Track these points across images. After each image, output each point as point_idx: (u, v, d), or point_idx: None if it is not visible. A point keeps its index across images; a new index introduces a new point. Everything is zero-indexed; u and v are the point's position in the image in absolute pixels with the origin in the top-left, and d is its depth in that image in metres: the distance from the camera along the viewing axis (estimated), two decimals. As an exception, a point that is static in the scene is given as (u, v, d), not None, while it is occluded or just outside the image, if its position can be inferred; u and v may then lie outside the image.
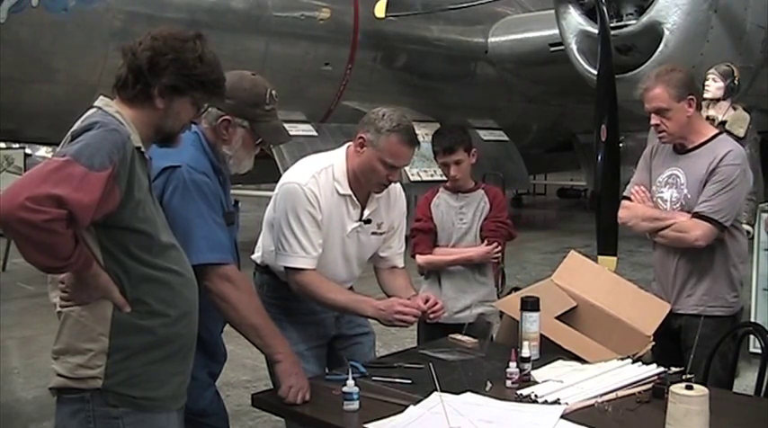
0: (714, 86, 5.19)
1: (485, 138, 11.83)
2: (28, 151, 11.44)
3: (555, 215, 16.20)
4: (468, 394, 2.37)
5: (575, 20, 8.71)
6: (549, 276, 3.14)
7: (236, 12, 9.01)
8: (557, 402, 2.29)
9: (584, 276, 3.11)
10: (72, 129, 1.94)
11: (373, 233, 2.97)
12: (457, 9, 10.56)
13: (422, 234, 3.52)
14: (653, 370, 2.53)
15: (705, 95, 5.05)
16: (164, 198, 2.31)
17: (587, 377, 2.49)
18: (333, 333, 3.02)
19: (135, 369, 1.98)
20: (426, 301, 2.85)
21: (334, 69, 10.00)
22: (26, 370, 5.30)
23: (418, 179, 10.16)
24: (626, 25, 8.30)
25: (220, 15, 8.79)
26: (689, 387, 2.03)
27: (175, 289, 2.05)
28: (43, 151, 12.50)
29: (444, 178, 3.59)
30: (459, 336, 3.00)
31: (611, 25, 7.47)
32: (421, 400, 2.31)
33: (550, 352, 2.72)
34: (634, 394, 2.37)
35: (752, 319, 4.89)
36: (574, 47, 8.77)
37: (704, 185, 3.03)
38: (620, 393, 2.38)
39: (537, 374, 2.52)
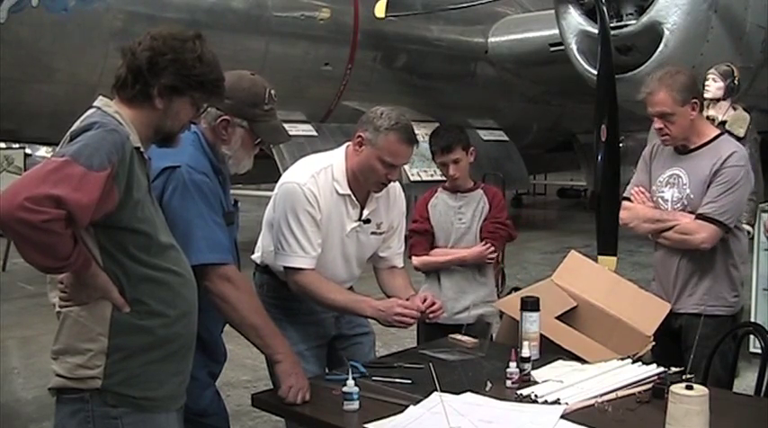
0: (714, 86, 5.19)
1: (485, 138, 11.83)
2: (28, 151, 11.43)
3: (555, 215, 16.20)
4: (468, 394, 2.37)
5: (575, 20, 8.71)
6: (549, 276, 3.14)
7: (236, 12, 9.00)
8: (557, 402, 2.29)
9: (584, 276, 3.10)
10: (71, 130, 1.94)
11: (373, 233, 2.97)
12: (457, 9, 10.55)
13: (418, 235, 3.52)
14: (653, 369, 2.53)
15: (705, 95, 5.05)
16: (163, 198, 2.31)
17: (587, 377, 2.49)
18: (333, 333, 3.02)
19: (134, 369, 1.98)
20: (425, 301, 2.85)
21: (334, 69, 10.00)
22: (26, 370, 5.30)
23: (418, 179, 10.15)
24: (626, 25, 8.30)
25: (220, 15, 8.78)
26: (689, 387, 2.03)
27: (174, 290, 2.05)
28: (43, 151, 12.50)
29: (444, 178, 3.58)
30: (459, 336, 3.00)
31: (611, 25, 7.46)
32: (421, 400, 2.31)
33: (550, 352, 2.72)
34: (634, 394, 2.37)
35: (752, 319, 4.89)
36: (574, 47, 8.77)
37: (708, 186, 3.03)
38: (620, 393, 2.38)
39: (537, 374, 2.52)
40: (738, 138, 4.58)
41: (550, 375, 2.51)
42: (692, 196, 3.07)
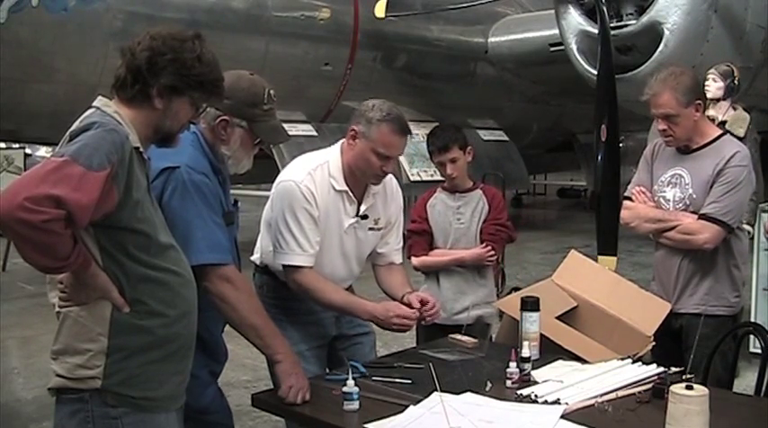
0: (714, 86, 5.19)
1: (485, 138, 11.83)
2: (28, 151, 11.43)
3: (555, 215, 16.20)
4: (468, 394, 2.37)
5: (575, 20, 8.71)
6: (549, 276, 3.14)
7: (236, 12, 9.00)
8: (557, 402, 2.29)
9: (584, 276, 3.10)
10: (70, 130, 1.94)
11: (371, 229, 2.96)
12: (457, 9, 10.55)
13: (416, 235, 3.52)
14: (653, 369, 2.53)
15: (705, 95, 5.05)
16: (163, 198, 2.31)
17: (587, 377, 2.49)
18: (333, 333, 3.02)
19: (134, 369, 1.98)
20: (422, 302, 2.84)
21: (335, 69, 9.99)
22: (26, 370, 5.30)
23: (418, 179, 10.15)
24: (626, 25, 8.29)
25: (220, 15, 8.78)
26: (689, 387, 2.03)
27: (174, 290, 2.04)
28: (43, 151, 12.49)
29: (444, 178, 3.58)
30: (459, 336, 3.00)
31: (611, 25, 7.46)
32: (421, 400, 2.31)
33: (550, 352, 2.72)
34: (634, 394, 2.37)
35: (752, 319, 4.89)
36: (574, 47, 8.76)
37: (711, 186, 3.03)
38: (620, 393, 2.37)
39: (537, 374, 2.52)
40: (738, 138, 4.58)
41: (550, 375, 2.51)
42: (694, 196, 3.07)
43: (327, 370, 2.87)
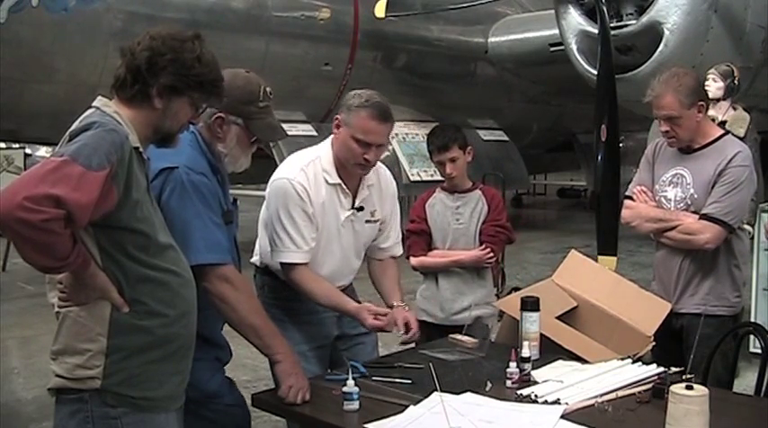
0: (714, 86, 5.20)
1: (485, 138, 11.82)
2: (28, 151, 11.43)
3: (555, 215, 16.20)
4: (468, 394, 2.37)
5: (575, 20, 8.71)
6: (549, 276, 3.14)
7: (236, 12, 9.00)
8: (557, 402, 2.29)
9: (584, 276, 3.10)
10: (70, 130, 1.94)
11: (367, 221, 2.97)
12: (457, 9, 10.55)
13: (415, 235, 3.51)
14: (653, 369, 2.53)
15: (705, 95, 5.05)
16: (161, 199, 2.30)
17: (587, 377, 2.49)
18: (335, 333, 3.02)
19: (133, 369, 1.98)
20: (407, 325, 2.85)
21: (334, 69, 9.99)
22: (26, 370, 5.29)
23: (418, 179, 10.15)
24: (626, 25, 8.29)
25: (220, 15, 8.78)
26: (689, 387, 2.03)
27: (173, 290, 2.04)
28: (43, 151, 12.48)
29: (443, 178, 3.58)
30: (459, 336, 2.99)
31: (611, 25, 7.46)
32: (421, 400, 2.31)
33: (550, 352, 2.72)
34: (634, 394, 2.37)
35: (752, 319, 4.88)
36: (574, 47, 8.76)
37: (712, 186, 3.03)
38: (620, 393, 2.37)
39: (537, 374, 2.52)
40: (738, 139, 4.58)
41: (550, 375, 2.51)
42: (695, 196, 3.07)
43: (329, 371, 2.87)
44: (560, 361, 2.66)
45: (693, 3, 7.86)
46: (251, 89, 2.54)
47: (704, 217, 3.02)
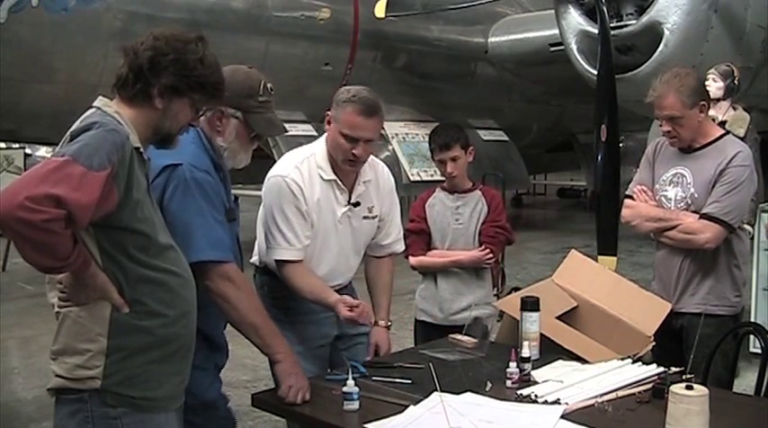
0: (714, 86, 5.19)
1: (485, 138, 11.82)
2: (28, 151, 11.43)
3: (555, 215, 16.19)
4: (468, 394, 2.37)
5: (575, 20, 8.71)
6: (549, 276, 3.14)
7: (236, 12, 9.00)
8: (557, 402, 2.29)
9: (584, 276, 3.10)
10: (71, 130, 1.94)
11: (365, 217, 2.97)
12: (457, 9, 10.55)
13: (415, 235, 3.51)
14: (653, 369, 2.53)
15: (704, 95, 5.05)
16: (165, 196, 2.30)
17: (587, 377, 2.49)
18: (334, 332, 3.01)
19: (133, 369, 1.98)
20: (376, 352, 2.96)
21: (334, 69, 9.99)
22: (26, 370, 5.29)
23: (418, 179, 10.15)
24: (626, 25, 8.29)
25: (220, 15, 8.78)
26: (689, 387, 2.03)
27: (174, 290, 2.05)
28: (43, 151, 12.49)
29: (444, 178, 3.58)
30: (459, 336, 2.99)
31: (611, 25, 7.46)
32: (421, 400, 2.31)
33: (550, 352, 2.72)
34: (634, 394, 2.37)
35: (752, 319, 4.89)
36: (574, 47, 8.76)
37: (713, 185, 3.03)
38: (620, 393, 2.37)
39: (537, 374, 2.52)
40: (738, 139, 4.58)
41: (550, 375, 2.51)
42: (696, 195, 3.07)
43: (329, 371, 2.87)
44: (560, 361, 2.66)
45: (693, 3, 7.86)
46: (251, 83, 2.54)
47: (704, 216, 3.02)
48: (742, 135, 4.93)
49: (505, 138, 12.29)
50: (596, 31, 7.01)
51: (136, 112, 2.03)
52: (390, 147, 10.43)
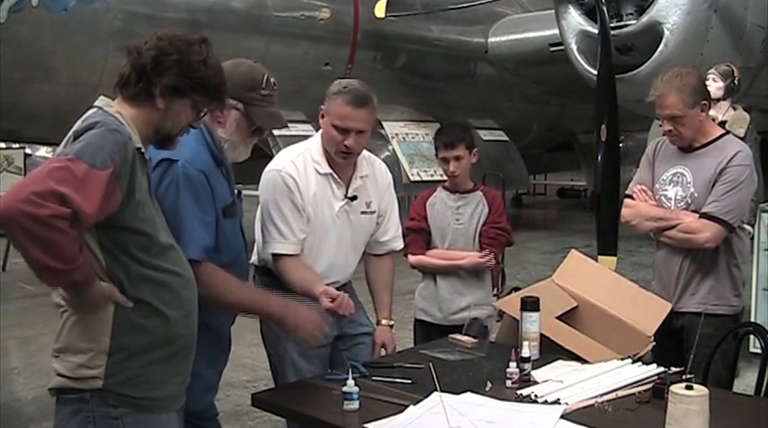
0: (714, 86, 5.19)
1: (485, 138, 11.81)
2: (28, 151, 11.40)
3: (555, 215, 16.19)
4: (468, 394, 2.37)
5: (575, 20, 8.71)
6: (549, 276, 3.14)
7: (236, 12, 9.00)
8: (557, 402, 2.29)
9: (584, 276, 3.11)
10: (74, 129, 1.95)
11: (363, 212, 2.97)
12: (457, 9, 10.55)
13: (414, 234, 3.51)
14: (653, 369, 2.53)
15: (704, 95, 5.05)
16: (159, 190, 2.29)
17: (587, 377, 2.49)
18: (335, 332, 3.01)
19: (135, 369, 1.98)
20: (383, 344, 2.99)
21: (334, 69, 9.98)
22: (26, 370, 5.30)
23: (418, 179, 10.14)
24: (626, 25, 8.29)
25: (220, 15, 8.77)
26: (689, 387, 2.03)
27: (175, 291, 2.05)
28: (43, 151, 12.48)
29: (445, 178, 3.58)
30: (459, 336, 2.99)
31: (611, 25, 7.46)
32: (421, 400, 2.31)
33: (550, 352, 2.72)
34: (634, 394, 2.37)
35: (752, 319, 4.89)
36: (574, 47, 8.77)
37: (713, 185, 3.03)
38: (620, 393, 2.38)
39: (537, 374, 2.52)
40: (738, 138, 4.58)
41: (550, 375, 2.51)
42: (696, 195, 3.07)
43: (329, 370, 2.87)
44: (560, 361, 2.66)
45: (693, 3, 7.86)
46: (254, 76, 2.55)
47: (704, 216, 3.02)
48: (742, 135, 4.93)
49: (505, 138, 12.29)
50: (596, 31, 7.01)
51: (137, 112, 2.03)
52: (390, 147, 10.42)
